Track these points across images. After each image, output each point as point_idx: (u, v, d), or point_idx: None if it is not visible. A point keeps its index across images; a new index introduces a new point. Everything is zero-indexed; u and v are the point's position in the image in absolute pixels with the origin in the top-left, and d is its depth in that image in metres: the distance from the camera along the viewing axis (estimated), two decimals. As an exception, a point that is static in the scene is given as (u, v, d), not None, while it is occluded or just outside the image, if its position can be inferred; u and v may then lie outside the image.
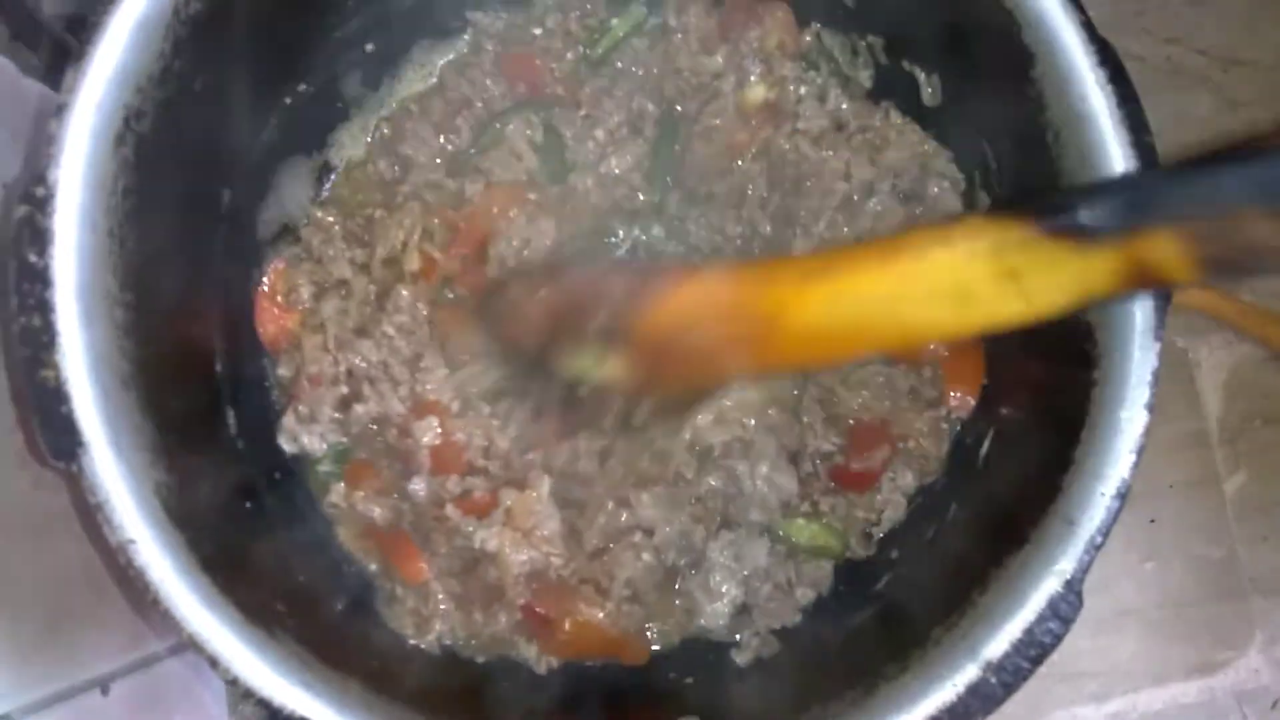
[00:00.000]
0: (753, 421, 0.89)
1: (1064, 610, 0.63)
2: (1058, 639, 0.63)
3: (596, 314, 0.72)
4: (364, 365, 0.88)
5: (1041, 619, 0.63)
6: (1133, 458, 0.65)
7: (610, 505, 0.86)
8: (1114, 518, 0.65)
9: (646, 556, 0.86)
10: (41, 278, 0.63)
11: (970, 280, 0.60)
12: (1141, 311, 0.66)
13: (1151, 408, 0.66)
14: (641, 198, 0.92)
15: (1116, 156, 0.68)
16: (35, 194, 0.64)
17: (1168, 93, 1.17)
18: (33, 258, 0.63)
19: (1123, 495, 0.65)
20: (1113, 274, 0.56)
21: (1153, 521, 1.11)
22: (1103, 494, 0.65)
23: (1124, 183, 0.66)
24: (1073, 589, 0.63)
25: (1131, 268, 0.56)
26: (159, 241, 0.74)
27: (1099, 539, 0.64)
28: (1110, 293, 0.58)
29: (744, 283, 0.70)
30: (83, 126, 0.66)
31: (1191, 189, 0.56)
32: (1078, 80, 0.69)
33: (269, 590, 0.70)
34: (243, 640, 0.62)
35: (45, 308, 0.63)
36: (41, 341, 0.63)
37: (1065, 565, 0.64)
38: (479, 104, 0.93)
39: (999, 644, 0.63)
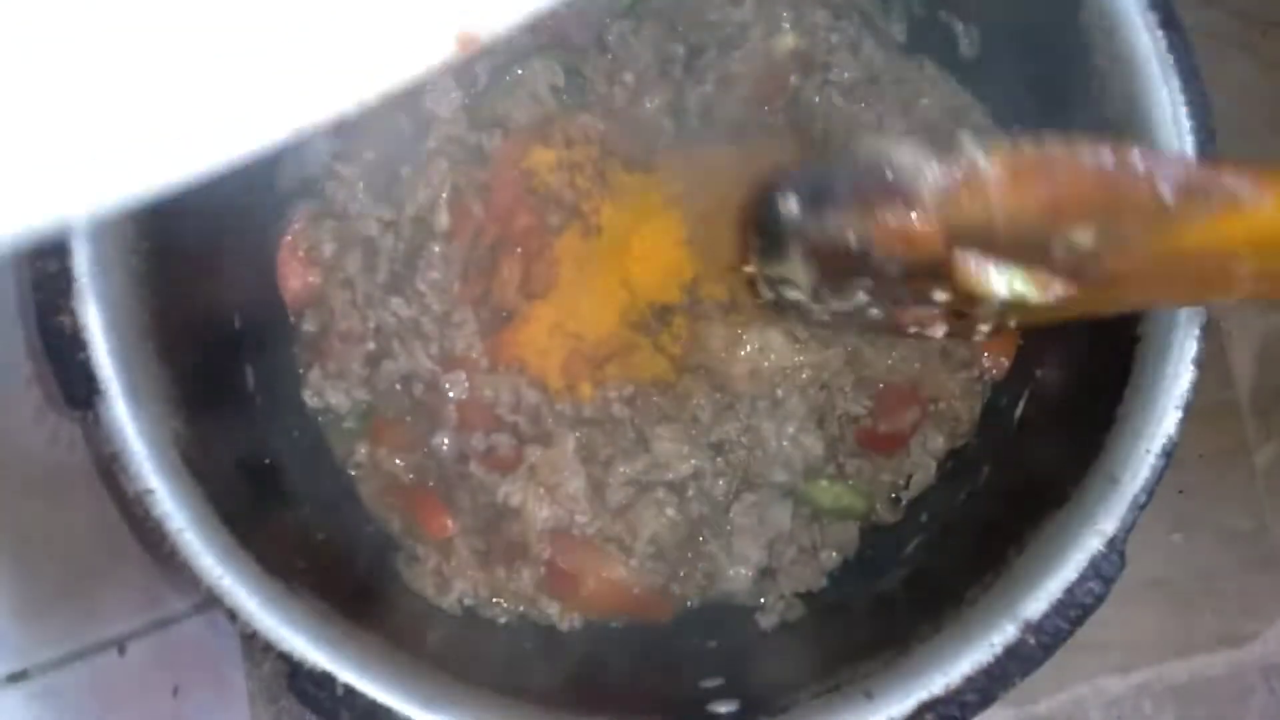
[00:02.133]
0: (780, 380, 0.88)
1: (1106, 570, 0.61)
2: (1099, 599, 0.61)
3: (1046, 226, 0.54)
4: (394, 321, 0.86)
5: (1083, 579, 0.61)
6: (1179, 414, 0.63)
7: (627, 443, 0.85)
8: (1158, 476, 0.63)
9: (670, 512, 0.85)
10: (57, 221, 0.61)
11: None
12: (1190, 264, 0.64)
13: (1199, 363, 0.64)
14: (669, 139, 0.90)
15: (1165, 103, 0.66)
16: (50, 135, 0.62)
17: (1204, 57, 1.15)
18: (48, 201, 0.62)
19: (1168, 454, 0.63)
20: None
21: (1181, 492, 1.10)
22: (1148, 451, 0.63)
23: None
24: (1115, 548, 0.62)
25: None
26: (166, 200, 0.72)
27: (1143, 498, 0.62)
28: None
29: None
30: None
31: None
32: (1127, 25, 0.67)
33: (288, 547, 0.69)
34: (262, 593, 0.61)
35: (62, 252, 0.61)
36: (58, 287, 0.61)
37: (1107, 524, 0.62)
38: (499, 51, 0.91)
39: (1038, 603, 0.62)
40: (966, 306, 0.59)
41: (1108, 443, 0.65)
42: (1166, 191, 0.52)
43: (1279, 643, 1.10)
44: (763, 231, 0.71)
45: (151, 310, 0.67)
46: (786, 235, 0.67)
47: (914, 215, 0.57)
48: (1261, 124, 1.16)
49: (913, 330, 0.63)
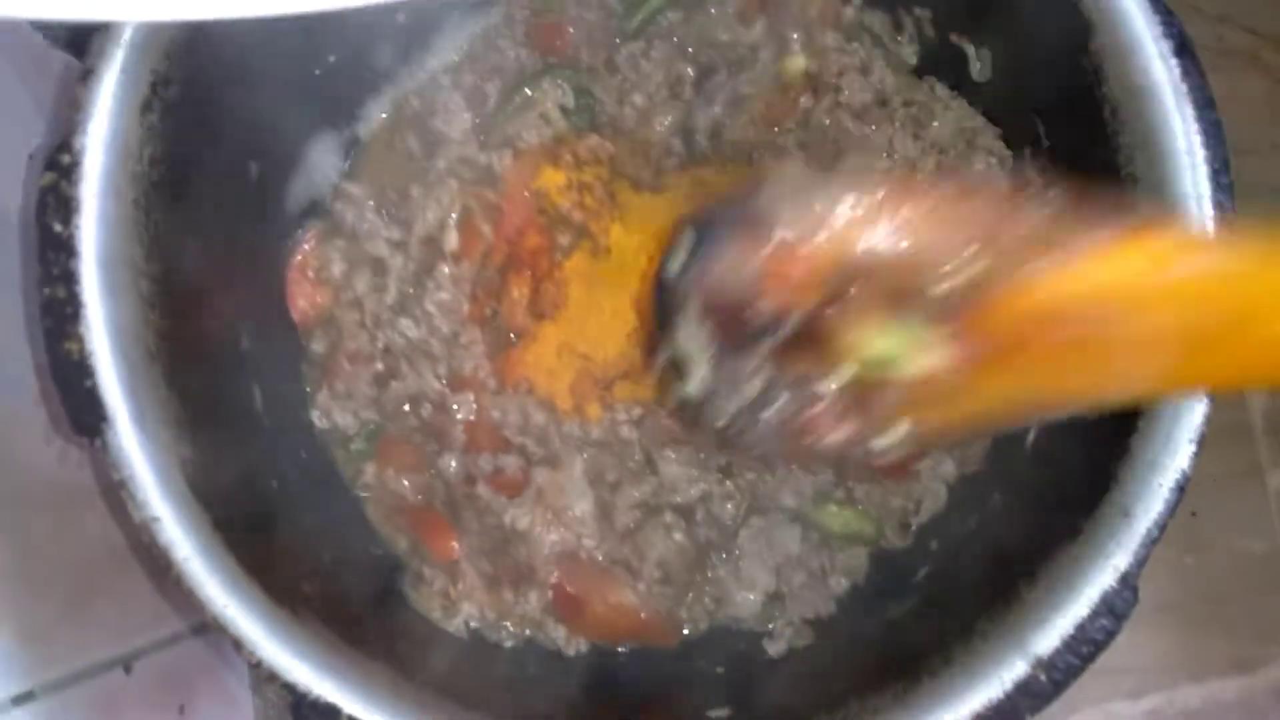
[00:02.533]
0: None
1: (1118, 606, 0.61)
2: (1111, 635, 0.61)
3: (927, 264, 0.49)
4: (403, 342, 0.86)
5: (1095, 614, 0.61)
6: (1192, 448, 0.62)
7: (635, 465, 0.84)
8: (1171, 511, 0.62)
9: (678, 536, 0.84)
10: (66, 247, 0.62)
11: None
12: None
13: (1211, 395, 0.63)
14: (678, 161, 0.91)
15: (1179, 132, 0.65)
16: (60, 161, 0.62)
17: (1217, 73, 1.12)
18: (57, 227, 0.62)
19: (1181, 488, 0.62)
20: None
21: (1194, 514, 1.08)
22: (1160, 484, 0.62)
23: None
24: (1128, 584, 0.61)
25: None
26: (185, 213, 0.72)
27: (1155, 532, 0.62)
28: None
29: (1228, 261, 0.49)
30: (109, 92, 0.64)
31: None
32: (1140, 52, 0.66)
33: (295, 571, 0.69)
34: (268, 622, 0.61)
35: (70, 278, 0.61)
36: (66, 313, 0.61)
37: (1120, 559, 0.61)
38: (509, 72, 0.91)
39: (1049, 639, 0.61)
40: (862, 398, 0.53)
41: (1120, 474, 0.64)
42: (1043, 215, 0.50)
43: (1292, 668, 1.09)
44: (659, 298, 0.64)
45: (159, 333, 0.67)
46: (679, 292, 0.60)
47: (797, 249, 0.53)
48: (1273, 141, 1.15)
49: (808, 442, 0.57)
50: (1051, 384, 0.52)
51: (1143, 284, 0.48)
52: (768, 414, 0.58)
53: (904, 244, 0.51)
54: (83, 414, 0.60)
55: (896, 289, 0.50)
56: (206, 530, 0.62)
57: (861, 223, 0.51)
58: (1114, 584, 0.61)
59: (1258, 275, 0.47)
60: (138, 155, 0.66)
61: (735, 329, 0.57)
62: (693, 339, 0.60)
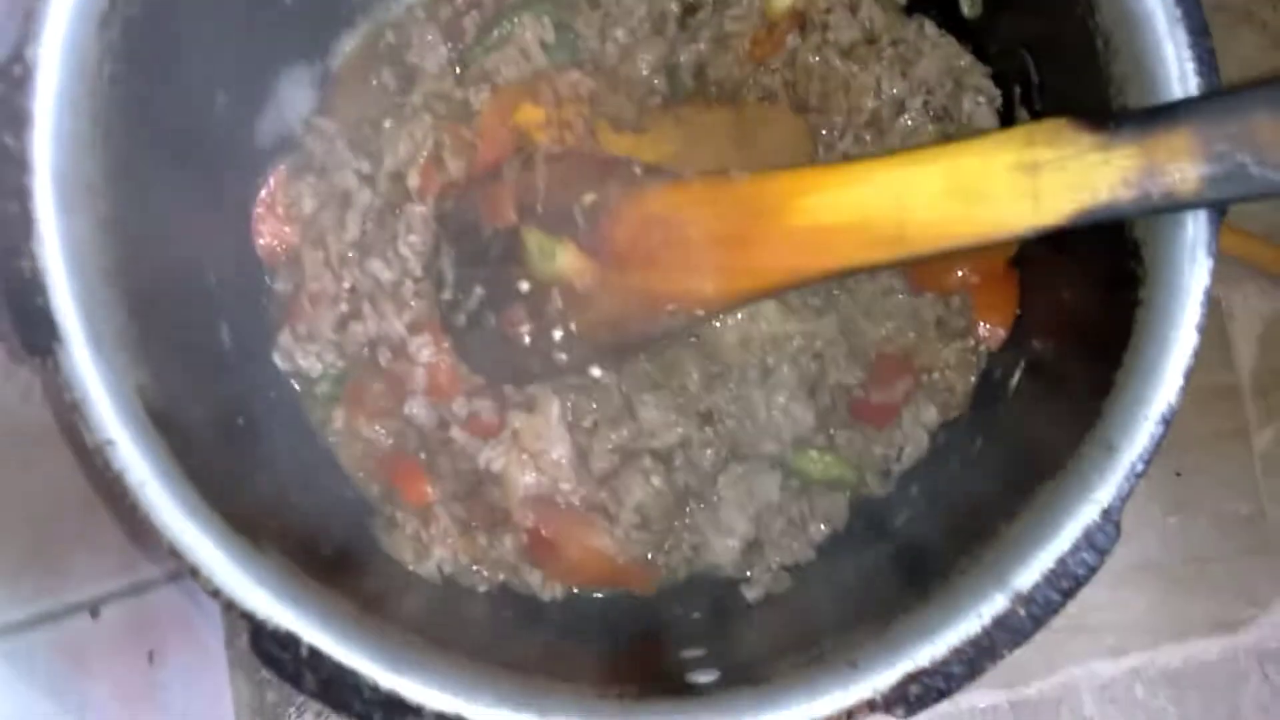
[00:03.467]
0: (771, 349, 0.86)
1: (1100, 540, 0.59)
2: (1092, 570, 0.59)
3: (570, 194, 0.75)
4: (370, 284, 0.84)
5: (1076, 549, 0.59)
6: (1180, 380, 0.61)
7: (613, 409, 0.84)
8: (1157, 445, 0.61)
9: (656, 481, 0.83)
10: (18, 161, 0.59)
11: (988, 172, 0.62)
12: (1193, 223, 0.62)
13: (1202, 329, 0.61)
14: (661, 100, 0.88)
15: (1172, 59, 0.63)
16: (12, 72, 0.60)
17: (1211, 30, 1.13)
18: (8, 140, 0.59)
19: (1167, 421, 0.60)
20: (1124, 180, 0.59)
21: (1178, 474, 1.08)
22: (1146, 417, 0.61)
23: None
24: (1110, 518, 0.59)
25: (1142, 174, 0.59)
26: (147, 137, 0.70)
27: (1140, 466, 0.60)
28: (1115, 204, 0.60)
29: (746, 181, 0.71)
30: (65, 2, 0.61)
31: (1215, 100, 0.61)
32: (1134, -24, 0.64)
33: (259, 506, 0.67)
34: (227, 550, 0.59)
35: (22, 193, 0.59)
36: (18, 229, 0.59)
37: (1103, 493, 0.60)
38: (488, 5, 0.89)
39: (1029, 574, 0.60)
40: (540, 299, 0.77)
41: (1105, 410, 0.62)
42: (637, 168, 0.76)
43: (1274, 628, 1.09)
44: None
45: (118, 259, 0.65)
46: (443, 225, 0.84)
47: (499, 182, 0.80)
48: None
49: (509, 332, 0.79)
50: (656, 280, 0.74)
51: (700, 197, 0.73)
52: (489, 316, 0.80)
53: (553, 187, 0.78)
54: (34, 332, 0.58)
55: (552, 215, 0.77)
56: (165, 456, 0.60)
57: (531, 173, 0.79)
58: (1096, 518, 0.60)
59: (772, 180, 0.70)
60: (96, 71, 0.64)
61: (469, 244, 0.81)
62: (447, 257, 0.82)
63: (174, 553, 0.57)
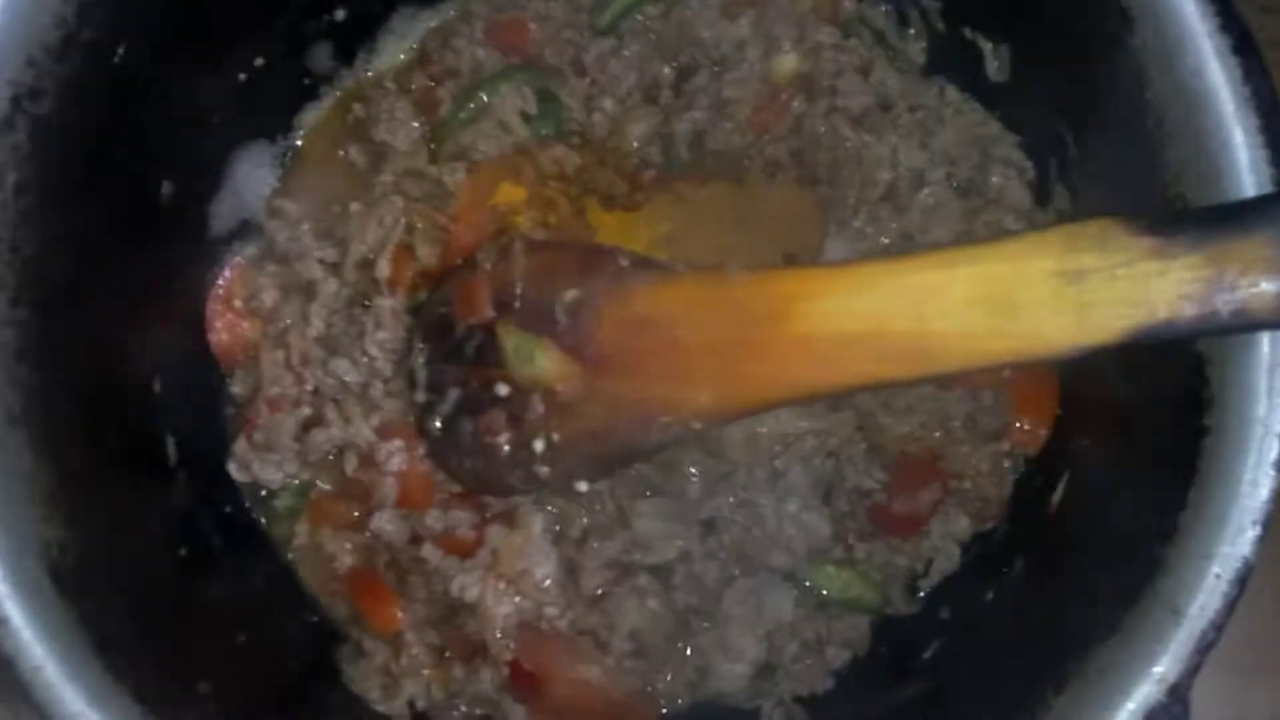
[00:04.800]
0: (781, 449, 0.78)
1: (1167, 726, 0.50)
2: (1158, 762, 0.50)
3: (550, 288, 0.69)
4: (334, 384, 0.77)
5: (1137, 737, 0.50)
6: (1256, 531, 0.52)
7: (605, 518, 0.77)
8: (1231, 608, 0.51)
9: (652, 603, 0.75)
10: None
11: (1023, 279, 0.54)
12: (1271, 344, 0.53)
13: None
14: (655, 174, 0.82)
15: (1241, 145, 0.54)
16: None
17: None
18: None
19: (1242, 581, 0.51)
20: (1186, 295, 0.50)
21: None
22: (1217, 576, 0.51)
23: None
24: (1177, 697, 0.50)
25: (1209, 288, 0.50)
26: (70, 245, 0.62)
27: (1211, 634, 0.51)
28: (1177, 322, 0.51)
29: (744, 282, 0.64)
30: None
31: None
32: (1192, 50, 0.55)
33: (193, 664, 0.59)
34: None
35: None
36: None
37: (1167, 667, 0.51)
38: (464, 74, 0.81)
39: (1082, 769, 0.50)
40: (520, 406, 0.70)
41: (1168, 560, 0.53)
42: (624, 260, 0.69)
43: (1340, 721, 0.99)
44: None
45: (28, 390, 0.57)
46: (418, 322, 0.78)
47: (473, 273, 0.73)
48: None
49: (487, 440, 0.72)
50: (646, 388, 0.67)
51: (693, 297, 0.66)
52: (465, 422, 0.73)
53: (533, 280, 0.71)
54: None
55: (531, 311, 0.70)
56: (69, 629, 0.52)
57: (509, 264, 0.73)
58: (1160, 697, 0.50)
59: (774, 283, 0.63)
60: (-2, 181, 0.56)
61: (442, 342, 0.75)
62: (419, 355, 0.75)
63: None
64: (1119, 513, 0.61)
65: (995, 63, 0.76)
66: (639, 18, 0.82)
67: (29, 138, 0.58)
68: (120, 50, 0.63)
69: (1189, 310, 0.51)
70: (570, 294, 0.69)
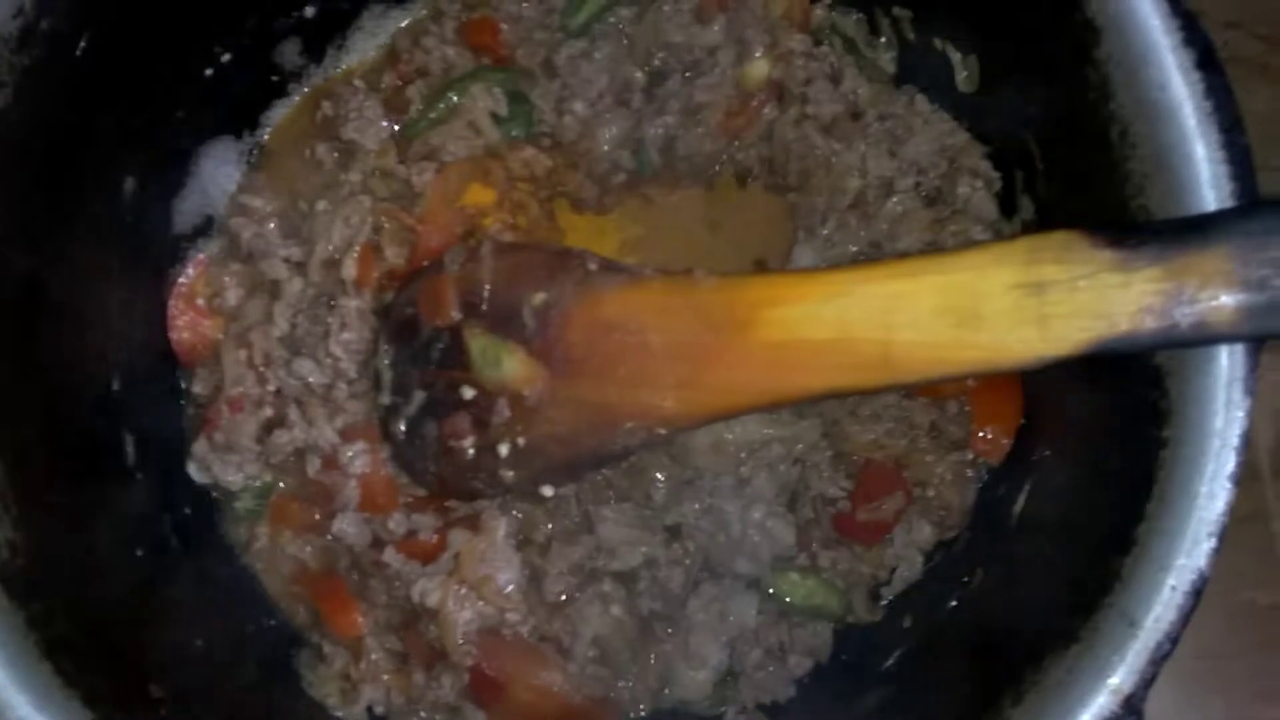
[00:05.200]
0: (746, 456, 0.78)
1: (1121, 737, 0.50)
2: (1112, 772, 0.50)
3: (518, 291, 0.68)
4: (297, 386, 0.76)
5: (1092, 748, 0.50)
6: (1211, 543, 0.52)
7: (569, 524, 0.76)
8: (1186, 620, 0.52)
9: (616, 610, 0.75)
10: None
11: (987, 290, 0.54)
12: (1229, 357, 0.53)
13: (1236, 479, 0.53)
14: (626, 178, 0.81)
15: (1201, 158, 0.55)
16: None
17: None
18: None
19: (1198, 592, 0.51)
20: (1147, 308, 0.51)
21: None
22: (1173, 588, 0.52)
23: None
24: (1132, 708, 0.50)
25: (1169, 301, 0.51)
26: (29, 239, 0.61)
27: (1166, 646, 0.51)
28: (1137, 335, 0.51)
29: (713, 287, 0.64)
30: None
31: (1255, 215, 0.52)
32: (1156, 63, 0.56)
33: (145, 668, 0.58)
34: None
35: None
36: None
37: (1122, 678, 0.51)
38: (435, 74, 0.80)
39: (1037, 779, 0.51)
40: (485, 409, 0.70)
41: (1124, 572, 0.54)
42: (592, 263, 0.68)
43: (1296, 731, 1.00)
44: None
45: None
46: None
47: (441, 275, 0.72)
48: (1284, 157, 1.06)
49: (451, 444, 0.71)
50: (613, 392, 0.66)
51: (661, 301, 0.66)
52: (430, 425, 0.72)
53: (501, 283, 0.71)
54: None
55: (498, 314, 0.70)
56: (17, 633, 0.51)
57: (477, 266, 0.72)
58: (1115, 709, 0.51)
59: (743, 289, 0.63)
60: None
61: (408, 343, 0.74)
62: (385, 356, 0.75)
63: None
64: (1078, 523, 0.62)
65: (965, 73, 0.76)
66: (611, 20, 0.82)
67: (-16, 134, 0.57)
68: (82, 43, 0.62)
69: (1149, 323, 0.51)
70: (538, 297, 0.69)
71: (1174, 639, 0.51)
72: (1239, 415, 0.52)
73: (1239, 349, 0.53)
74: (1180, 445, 0.54)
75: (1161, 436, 0.55)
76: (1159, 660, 0.51)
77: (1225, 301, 0.50)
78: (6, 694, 0.49)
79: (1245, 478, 1.01)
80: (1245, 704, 0.96)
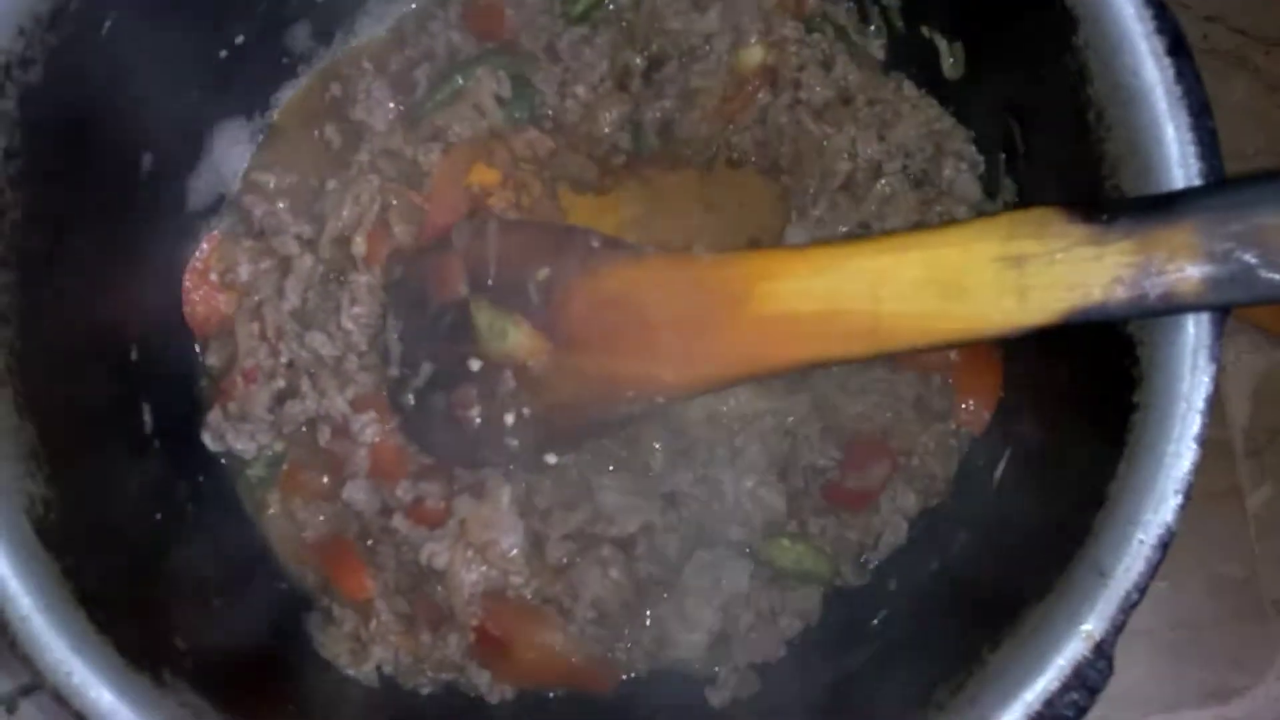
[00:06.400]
0: (740, 427, 0.80)
1: (1091, 678, 0.54)
2: (1082, 711, 0.54)
3: (523, 267, 0.71)
4: (309, 357, 0.78)
5: (1065, 688, 0.54)
6: (1178, 500, 0.55)
7: (570, 491, 0.79)
8: (1153, 570, 0.55)
9: (614, 574, 0.78)
10: None
11: (969, 264, 0.58)
12: (1195, 326, 0.56)
13: (1202, 440, 0.56)
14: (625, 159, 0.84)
15: (1171, 140, 0.58)
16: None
17: (1203, 75, 1.09)
18: None
19: (1165, 545, 0.55)
20: (1118, 279, 0.54)
21: (1170, 537, 1.03)
22: (1141, 541, 0.55)
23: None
24: (1102, 653, 0.54)
25: (1139, 273, 0.54)
26: (55, 212, 0.64)
27: (1135, 596, 0.55)
28: (1110, 304, 0.55)
29: (709, 263, 0.66)
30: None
31: (1219, 193, 0.55)
32: (1130, 50, 0.59)
33: (168, 622, 0.61)
34: (121, 691, 0.53)
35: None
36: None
37: (1094, 624, 0.55)
38: (440, 58, 0.83)
39: (1012, 716, 0.54)
40: (491, 380, 0.73)
41: (1096, 527, 0.57)
42: (595, 241, 0.71)
43: (1267, 700, 1.04)
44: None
45: (13, 351, 0.59)
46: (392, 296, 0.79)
47: (448, 253, 0.75)
48: (1257, 146, 1.09)
49: (458, 414, 0.74)
50: (614, 363, 0.69)
51: (660, 277, 0.68)
52: (438, 396, 0.75)
53: (506, 259, 0.74)
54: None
55: (504, 289, 0.73)
56: (52, 582, 0.54)
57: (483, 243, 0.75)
58: (1087, 653, 0.54)
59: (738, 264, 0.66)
60: (-15, 149, 0.58)
61: (416, 318, 0.76)
62: (393, 330, 0.77)
63: (57, 698, 0.51)
64: (1054, 485, 0.65)
65: (950, 60, 0.79)
66: (611, 7, 0.84)
67: (18, 105, 0.59)
68: (107, 23, 0.65)
69: (1121, 293, 0.54)
70: (542, 273, 0.72)
71: (1142, 589, 0.55)
72: (1204, 380, 0.56)
73: (1204, 318, 0.56)
74: (1149, 409, 0.57)
75: (1132, 401, 0.58)
76: (1128, 609, 0.55)
77: (1191, 273, 0.53)
78: (45, 636, 0.52)
79: (1219, 456, 1.07)
80: (1222, 673, 0.99)
